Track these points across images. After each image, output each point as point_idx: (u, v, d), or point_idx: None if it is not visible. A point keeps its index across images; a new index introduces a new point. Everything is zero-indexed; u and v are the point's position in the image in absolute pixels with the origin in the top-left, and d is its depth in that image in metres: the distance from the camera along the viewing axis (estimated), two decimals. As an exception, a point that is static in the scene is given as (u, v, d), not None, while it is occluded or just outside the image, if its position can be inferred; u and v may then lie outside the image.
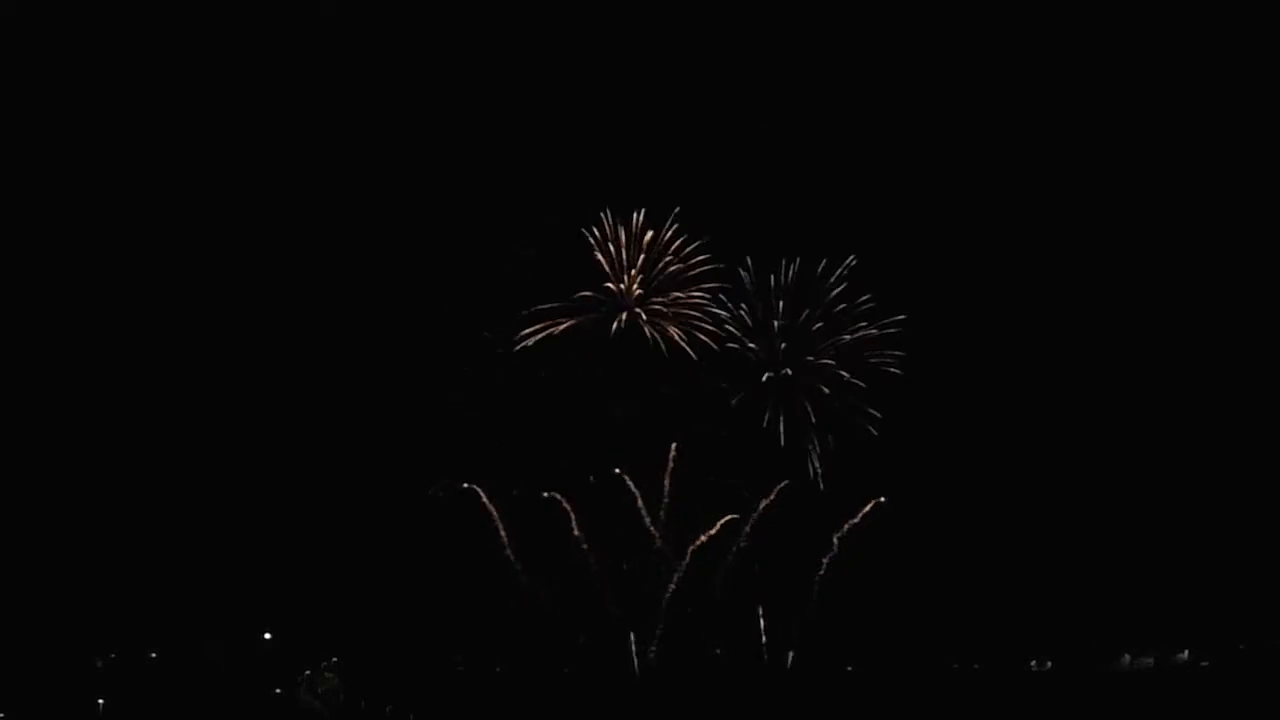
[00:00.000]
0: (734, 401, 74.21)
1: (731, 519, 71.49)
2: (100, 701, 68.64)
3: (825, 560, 71.55)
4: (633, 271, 73.90)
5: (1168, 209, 73.58)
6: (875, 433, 72.47)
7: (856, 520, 71.57)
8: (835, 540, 71.46)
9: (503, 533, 71.51)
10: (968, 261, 73.72)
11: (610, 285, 73.92)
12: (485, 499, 71.48)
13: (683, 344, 73.71)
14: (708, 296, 74.32)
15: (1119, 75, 74.15)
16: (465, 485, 71.92)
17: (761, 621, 72.29)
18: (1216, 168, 73.39)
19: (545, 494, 71.59)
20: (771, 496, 71.93)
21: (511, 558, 71.67)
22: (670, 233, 73.82)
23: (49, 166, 72.65)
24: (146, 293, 73.29)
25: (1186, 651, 74.66)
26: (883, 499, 71.54)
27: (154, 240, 73.31)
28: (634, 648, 72.29)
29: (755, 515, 71.81)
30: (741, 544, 71.76)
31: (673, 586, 71.95)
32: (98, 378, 72.33)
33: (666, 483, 71.85)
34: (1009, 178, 74.54)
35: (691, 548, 71.65)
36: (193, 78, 73.72)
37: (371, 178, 73.99)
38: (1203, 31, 72.86)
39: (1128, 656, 75.06)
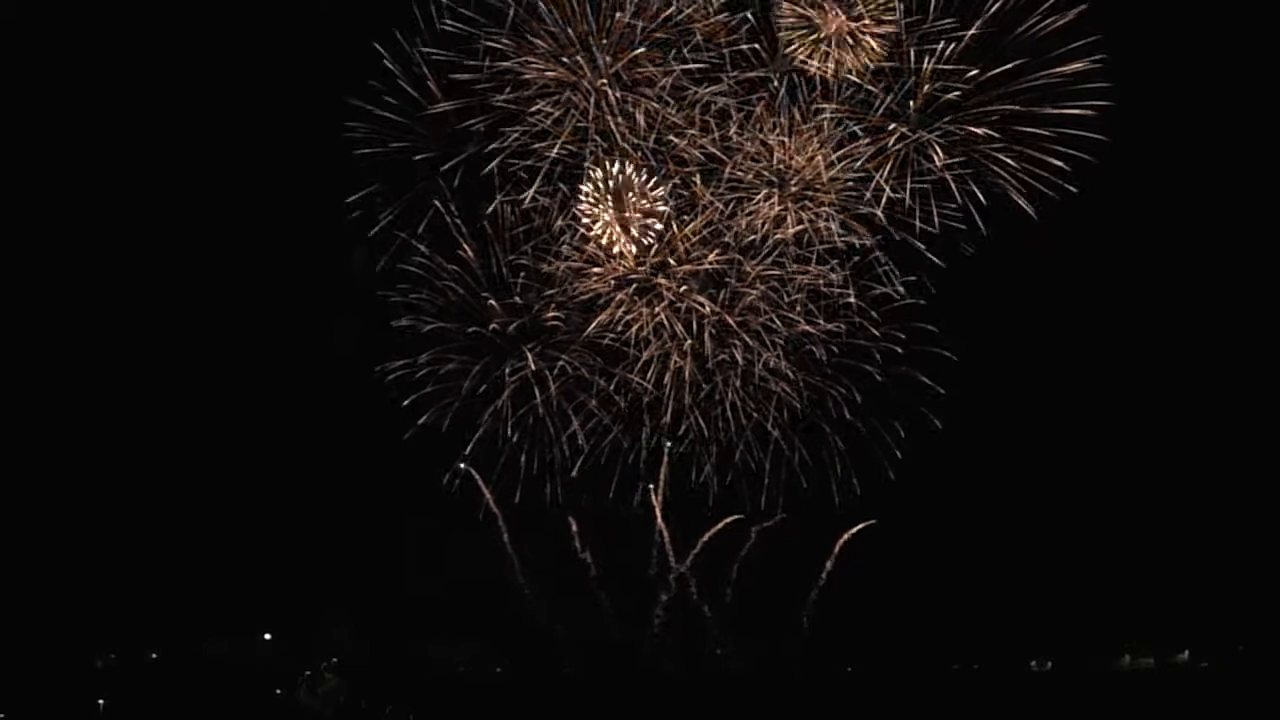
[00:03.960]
0: None
1: (736, 519, 71.51)
2: (100, 702, 68.84)
3: (825, 562, 71.82)
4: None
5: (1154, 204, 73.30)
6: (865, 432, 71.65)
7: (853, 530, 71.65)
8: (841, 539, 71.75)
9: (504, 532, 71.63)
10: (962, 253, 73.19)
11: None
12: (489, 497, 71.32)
13: None
14: None
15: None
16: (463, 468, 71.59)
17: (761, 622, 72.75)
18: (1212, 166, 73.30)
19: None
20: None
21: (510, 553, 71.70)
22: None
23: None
24: (148, 292, 73.26)
25: (1186, 651, 74.82)
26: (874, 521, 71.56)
27: (150, 240, 73.36)
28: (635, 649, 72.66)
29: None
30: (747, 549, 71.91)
31: (672, 586, 72.30)
32: (97, 377, 72.30)
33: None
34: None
35: (694, 552, 72.03)
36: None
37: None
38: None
39: (1128, 656, 75.20)
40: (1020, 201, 66.47)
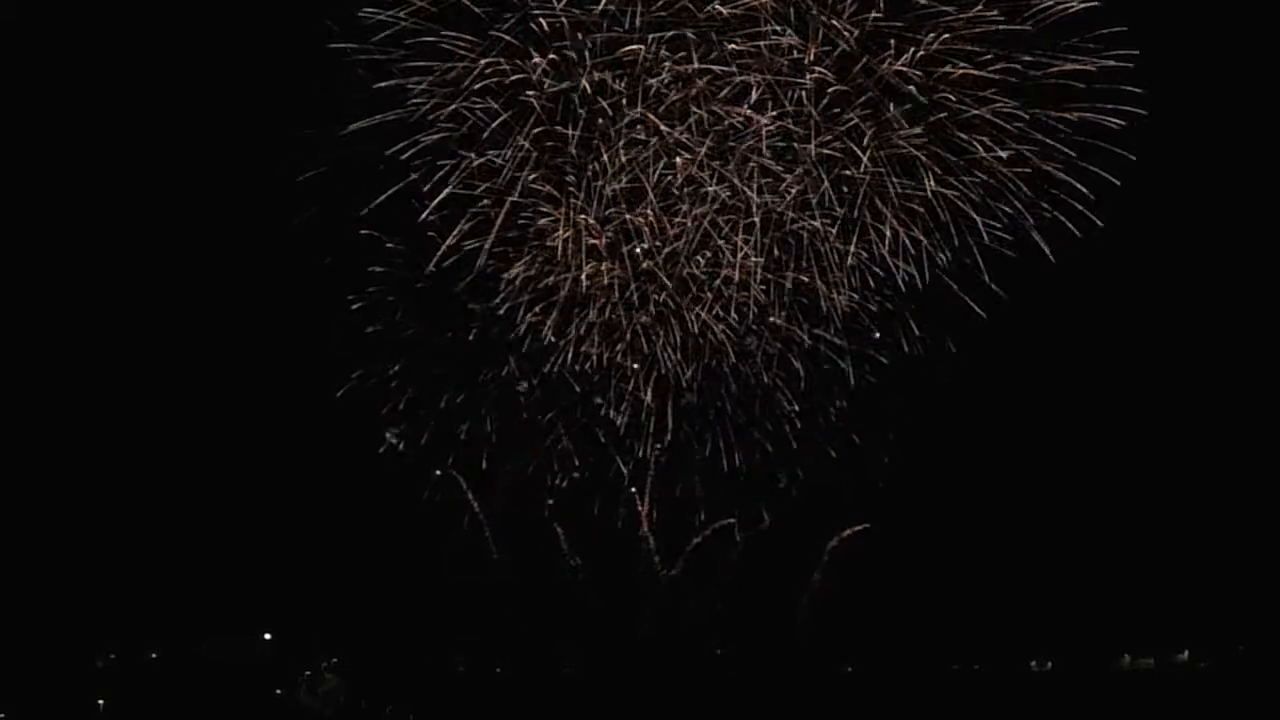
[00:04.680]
0: None
1: (726, 523, 71.23)
2: (100, 702, 69.19)
3: (822, 560, 71.58)
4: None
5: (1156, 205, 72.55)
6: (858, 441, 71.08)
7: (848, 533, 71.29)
8: (831, 542, 71.43)
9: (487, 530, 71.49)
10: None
11: None
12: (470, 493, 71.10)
13: None
14: None
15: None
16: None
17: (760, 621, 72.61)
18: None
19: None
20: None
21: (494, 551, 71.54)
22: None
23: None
24: (147, 292, 73.38)
25: (1186, 652, 74.49)
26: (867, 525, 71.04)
27: (151, 238, 73.39)
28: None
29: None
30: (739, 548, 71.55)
31: (663, 591, 72.15)
32: (96, 378, 72.47)
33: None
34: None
35: (688, 548, 71.73)
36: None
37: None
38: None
39: (1128, 656, 74.93)
40: (1035, 235, 62.83)
